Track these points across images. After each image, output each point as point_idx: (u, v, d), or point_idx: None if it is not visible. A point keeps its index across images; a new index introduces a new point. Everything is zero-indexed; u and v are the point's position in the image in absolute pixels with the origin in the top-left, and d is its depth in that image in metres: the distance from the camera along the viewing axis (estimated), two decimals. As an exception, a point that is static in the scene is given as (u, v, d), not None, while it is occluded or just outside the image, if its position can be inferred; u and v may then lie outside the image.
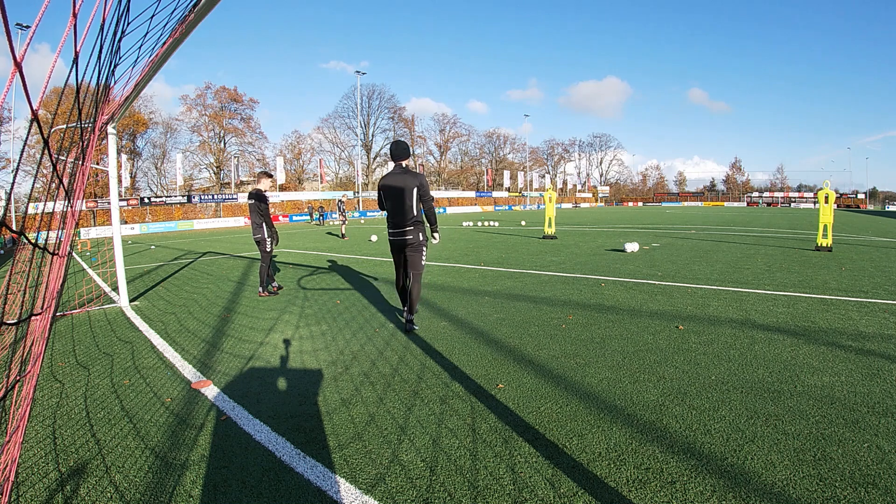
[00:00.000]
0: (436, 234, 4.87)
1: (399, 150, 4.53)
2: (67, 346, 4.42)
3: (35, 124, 0.96)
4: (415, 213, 4.39)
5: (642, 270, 7.79)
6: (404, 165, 4.52)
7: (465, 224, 25.08)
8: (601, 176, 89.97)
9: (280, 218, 37.13)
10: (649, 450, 2.30)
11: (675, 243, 12.31)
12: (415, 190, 4.38)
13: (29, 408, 1.79)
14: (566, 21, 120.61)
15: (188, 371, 3.61)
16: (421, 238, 4.48)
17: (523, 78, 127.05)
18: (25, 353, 1.70)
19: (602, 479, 2.08)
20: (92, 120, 2.36)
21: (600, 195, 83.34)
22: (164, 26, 2.84)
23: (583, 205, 72.38)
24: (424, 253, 4.57)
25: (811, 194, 68.82)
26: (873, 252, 9.94)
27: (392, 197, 4.43)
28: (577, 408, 2.78)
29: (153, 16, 2.37)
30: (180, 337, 4.60)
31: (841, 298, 5.45)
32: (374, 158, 64.17)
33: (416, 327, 4.59)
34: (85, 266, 11.18)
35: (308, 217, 37.43)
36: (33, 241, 1.25)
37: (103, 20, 1.55)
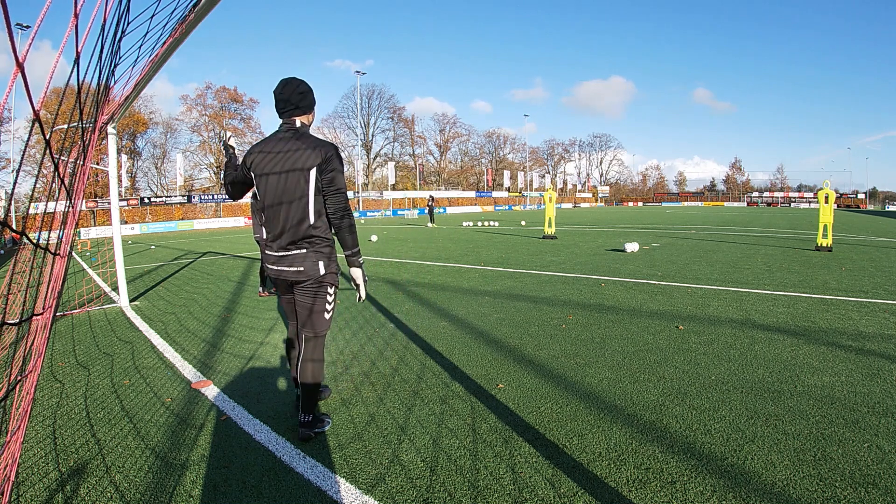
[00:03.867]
0: (356, 270, 2.51)
1: (286, 96, 2.40)
2: (67, 346, 4.42)
3: (36, 124, 0.97)
4: (311, 218, 2.38)
5: (642, 270, 7.79)
6: (298, 125, 2.45)
7: (465, 224, 25.10)
8: (601, 176, 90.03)
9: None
10: (649, 450, 2.30)
11: (675, 243, 12.31)
12: (312, 173, 2.34)
13: (30, 406, 1.80)
14: (572, 20, 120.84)
15: (188, 371, 3.61)
16: (322, 268, 2.43)
17: (528, 77, 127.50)
18: (27, 351, 1.70)
19: (602, 479, 2.08)
20: (92, 120, 2.36)
21: (600, 195, 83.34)
22: (164, 26, 2.84)
23: (583, 205, 72.38)
24: (331, 298, 2.51)
25: (811, 194, 68.80)
26: (873, 252, 9.94)
27: (268, 185, 2.40)
28: (577, 408, 2.78)
29: (153, 16, 2.37)
30: (180, 337, 4.60)
31: (841, 298, 5.46)
32: (374, 158, 64.23)
33: (325, 426, 2.58)
34: (85, 266, 11.18)
35: None
36: (34, 241, 1.25)
37: (104, 20, 1.55)
